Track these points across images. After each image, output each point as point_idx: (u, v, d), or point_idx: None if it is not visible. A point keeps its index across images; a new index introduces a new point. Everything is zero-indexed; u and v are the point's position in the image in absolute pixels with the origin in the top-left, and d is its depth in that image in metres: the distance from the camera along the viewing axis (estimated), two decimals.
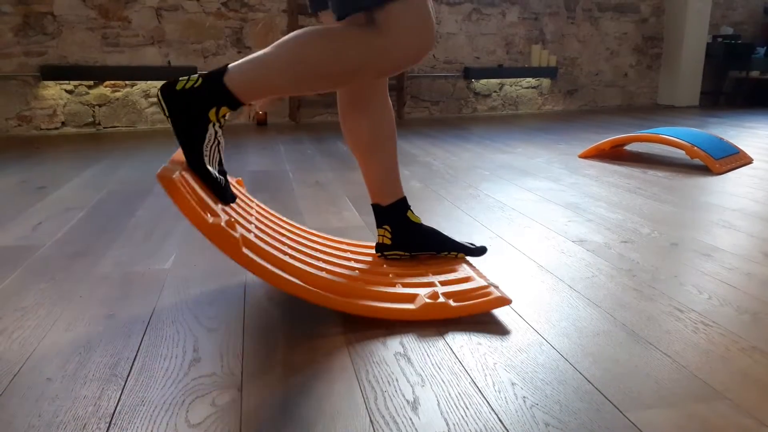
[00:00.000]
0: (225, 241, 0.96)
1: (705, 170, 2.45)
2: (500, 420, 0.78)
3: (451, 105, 4.66)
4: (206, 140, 1.03)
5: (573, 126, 3.93)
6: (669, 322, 1.06)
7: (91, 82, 3.75)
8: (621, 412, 0.79)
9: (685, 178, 2.32)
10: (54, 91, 3.69)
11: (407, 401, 0.82)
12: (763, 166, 2.54)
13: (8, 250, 1.46)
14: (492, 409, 0.80)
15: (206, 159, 1.04)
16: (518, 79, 4.80)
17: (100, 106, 3.79)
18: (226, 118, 1.05)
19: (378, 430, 0.75)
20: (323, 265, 1.14)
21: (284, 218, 1.39)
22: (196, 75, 1.02)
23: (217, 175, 1.08)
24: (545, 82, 4.90)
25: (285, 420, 0.78)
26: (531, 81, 4.85)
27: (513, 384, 0.86)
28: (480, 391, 0.85)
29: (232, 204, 1.15)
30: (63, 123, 3.74)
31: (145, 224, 1.69)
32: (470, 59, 4.62)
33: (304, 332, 1.03)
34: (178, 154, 1.08)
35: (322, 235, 1.38)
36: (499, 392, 0.84)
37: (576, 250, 1.46)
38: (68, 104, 3.73)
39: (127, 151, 3.00)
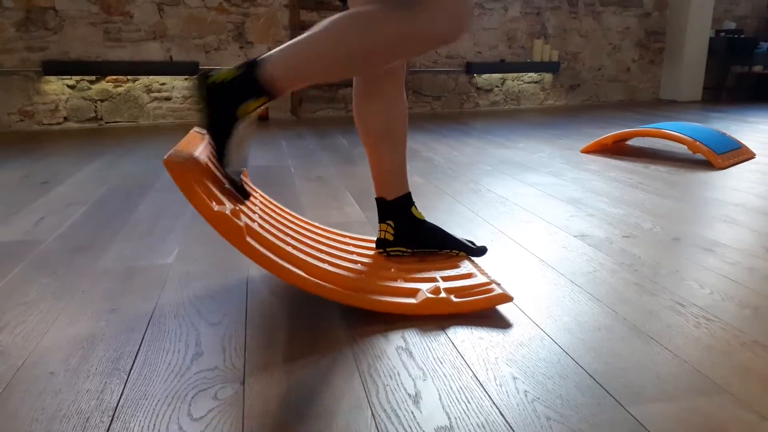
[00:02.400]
0: (229, 229, 0.96)
1: (707, 165, 2.44)
2: (502, 414, 0.78)
3: (453, 100, 4.65)
4: (234, 136, 1.03)
5: (575, 121, 3.92)
6: (670, 316, 1.06)
7: (93, 77, 3.75)
8: (622, 406, 0.79)
9: (687, 172, 2.31)
10: (56, 86, 3.69)
11: (409, 395, 0.82)
12: (766, 161, 2.54)
13: (11, 245, 1.47)
14: (493, 403, 0.80)
15: (231, 155, 1.05)
16: (520, 74, 4.79)
17: (102, 101, 3.79)
18: (257, 111, 1.04)
19: (380, 424, 0.76)
20: (326, 257, 1.14)
21: (287, 209, 1.39)
22: (232, 67, 1.01)
23: (236, 173, 1.09)
24: (547, 77, 4.88)
25: (287, 413, 0.78)
26: (533, 76, 4.84)
27: (514, 378, 0.86)
28: (481, 385, 0.85)
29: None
30: (65, 118, 3.74)
31: (148, 219, 1.69)
32: (472, 54, 4.60)
33: (306, 326, 1.03)
34: (185, 141, 1.08)
35: (325, 228, 1.38)
36: (501, 386, 0.84)
37: (577, 244, 1.46)
38: (70, 99, 3.73)
39: (129, 146, 3.00)
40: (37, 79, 3.64)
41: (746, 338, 0.98)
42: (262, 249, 1.00)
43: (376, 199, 1.25)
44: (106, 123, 3.83)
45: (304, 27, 3.98)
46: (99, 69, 3.67)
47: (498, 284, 1.13)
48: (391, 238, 1.23)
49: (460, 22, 0.98)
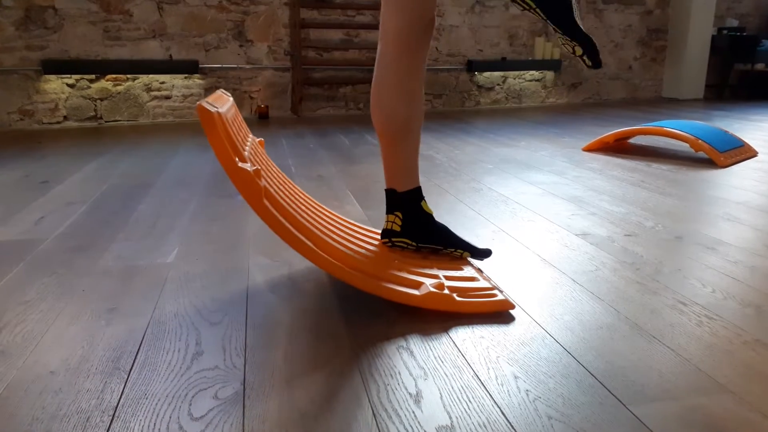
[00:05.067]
0: (249, 187, 0.96)
1: (709, 163, 2.44)
2: (503, 413, 0.78)
3: (454, 98, 4.64)
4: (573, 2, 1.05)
5: (577, 119, 3.91)
6: (673, 315, 1.06)
7: (93, 76, 3.74)
8: (624, 405, 0.79)
9: (690, 171, 2.31)
10: (56, 85, 3.68)
11: (410, 394, 0.82)
12: None
13: (11, 244, 1.47)
14: (495, 402, 0.80)
15: (576, 16, 1.06)
16: (522, 72, 4.78)
17: (101, 100, 3.79)
18: None
19: (381, 423, 0.75)
20: (336, 237, 1.14)
21: (299, 188, 1.38)
22: None
23: (585, 31, 1.08)
24: (549, 74, 4.87)
25: (288, 413, 0.78)
26: (534, 74, 4.83)
27: (516, 377, 0.86)
28: (483, 384, 0.84)
29: (259, 160, 1.15)
30: (65, 117, 3.74)
31: (148, 218, 1.69)
32: (473, 52, 4.60)
33: (307, 325, 1.03)
34: (215, 97, 1.08)
35: (335, 214, 1.38)
36: (502, 385, 0.84)
37: (579, 243, 1.46)
38: (70, 98, 3.73)
39: (129, 145, 3.00)
40: (37, 78, 3.64)
41: (748, 337, 0.98)
42: (277, 214, 1.00)
43: (386, 190, 1.24)
44: (106, 122, 3.83)
45: (304, 25, 3.97)
46: (99, 68, 3.67)
47: (501, 291, 1.12)
48: (398, 229, 1.23)
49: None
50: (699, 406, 0.79)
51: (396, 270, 1.11)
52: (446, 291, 1.06)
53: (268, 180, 1.12)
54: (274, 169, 1.30)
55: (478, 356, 0.92)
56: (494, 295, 1.10)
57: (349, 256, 1.07)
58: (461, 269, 1.21)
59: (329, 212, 1.36)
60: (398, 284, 1.07)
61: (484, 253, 1.27)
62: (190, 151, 2.80)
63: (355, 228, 1.33)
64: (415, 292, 1.06)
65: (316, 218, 1.21)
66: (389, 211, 1.24)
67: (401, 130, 1.18)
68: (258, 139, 1.37)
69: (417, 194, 1.22)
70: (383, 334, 1.00)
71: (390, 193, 1.23)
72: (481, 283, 1.14)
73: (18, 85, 3.61)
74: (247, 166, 0.98)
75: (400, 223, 1.23)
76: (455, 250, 1.26)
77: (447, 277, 1.15)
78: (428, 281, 1.09)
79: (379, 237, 1.32)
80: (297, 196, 1.27)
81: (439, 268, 1.19)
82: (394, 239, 1.24)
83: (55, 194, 1.97)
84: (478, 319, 1.05)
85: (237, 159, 0.97)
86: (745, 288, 1.18)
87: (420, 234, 1.23)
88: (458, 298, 1.06)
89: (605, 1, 4.88)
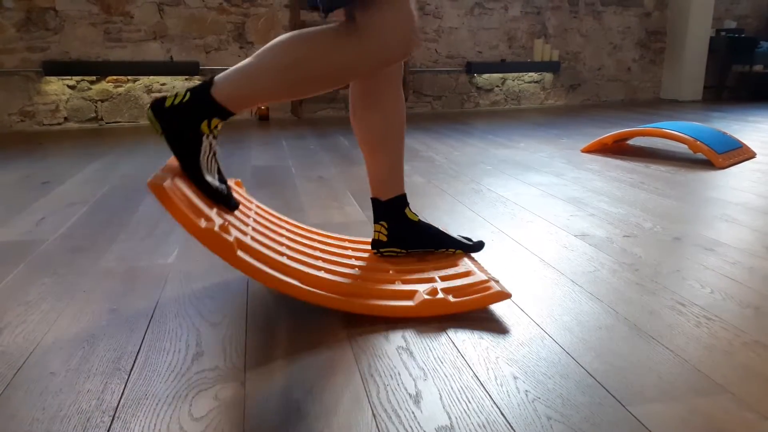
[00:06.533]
0: (219, 245, 0.96)
1: (708, 164, 2.44)
2: (502, 414, 0.78)
3: (454, 100, 4.65)
4: (202, 152, 1.06)
5: (575, 120, 3.92)
6: (671, 316, 1.06)
7: (94, 78, 3.75)
8: (623, 405, 0.79)
9: (688, 172, 2.31)
10: (56, 86, 3.69)
11: (409, 395, 0.82)
12: (766, 160, 2.54)
13: (12, 245, 1.47)
14: (494, 402, 0.80)
15: (204, 171, 1.07)
16: (521, 74, 4.78)
17: (102, 101, 3.80)
18: (219, 128, 1.08)
19: (380, 424, 0.76)
20: (322, 264, 1.14)
21: (283, 217, 1.38)
22: (184, 90, 1.05)
23: (217, 185, 1.10)
24: (548, 76, 4.88)
25: (288, 413, 0.78)
26: (533, 76, 4.84)
27: (515, 378, 0.86)
28: (482, 384, 0.85)
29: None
30: (65, 118, 3.74)
31: (148, 219, 1.69)
32: (472, 54, 4.60)
33: (307, 326, 1.03)
34: (171, 161, 1.09)
35: (322, 233, 1.38)
36: (501, 386, 0.84)
37: (578, 244, 1.46)
38: (71, 100, 3.73)
39: (130, 146, 3.00)
40: (38, 80, 3.64)
41: (747, 338, 0.98)
42: (254, 262, 1.00)
43: (371, 199, 1.25)
44: (107, 123, 3.83)
45: (304, 27, 3.98)
46: (99, 69, 3.67)
47: (496, 281, 1.13)
48: (384, 239, 1.23)
49: (406, 43, 1.02)
50: (698, 407, 0.79)
51: (389, 283, 1.12)
52: (440, 295, 1.07)
53: (242, 226, 1.11)
54: (252, 207, 1.30)
55: (478, 357, 0.92)
56: (489, 288, 1.10)
57: (338, 282, 1.07)
58: (456, 265, 1.21)
59: (318, 234, 1.36)
60: (392, 299, 1.08)
61: (476, 247, 1.28)
62: None
63: (347, 244, 1.33)
64: (410, 302, 1.06)
65: (302, 248, 1.21)
66: (376, 221, 1.24)
67: (380, 143, 1.19)
68: (235, 180, 1.37)
69: (401, 202, 1.22)
70: (383, 334, 1.00)
71: (374, 203, 1.24)
72: (477, 277, 1.14)
73: (19, 87, 3.61)
74: (214, 223, 0.98)
75: (386, 232, 1.23)
76: (447, 249, 1.26)
77: (442, 278, 1.15)
78: (422, 288, 1.10)
79: (370, 247, 1.33)
80: (280, 229, 1.27)
81: (435, 269, 1.19)
82: (382, 250, 1.24)
83: (56, 195, 1.97)
84: (478, 319, 1.05)
85: (201, 220, 0.98)
86: (743, 289, 1.18)
87: (407, 241, 1.23)
88: (453, 299, 1.07)
89: (604, 3, 4.89)
